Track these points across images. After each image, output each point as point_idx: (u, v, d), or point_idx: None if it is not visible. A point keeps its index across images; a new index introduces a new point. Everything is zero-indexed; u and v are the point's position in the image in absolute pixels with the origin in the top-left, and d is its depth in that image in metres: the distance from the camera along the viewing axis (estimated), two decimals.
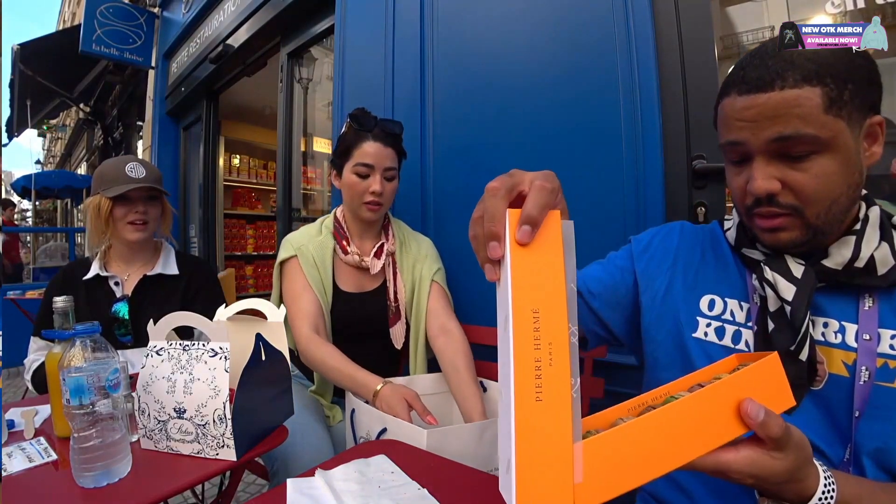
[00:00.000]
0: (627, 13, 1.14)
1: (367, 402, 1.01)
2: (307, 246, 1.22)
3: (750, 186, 0.56)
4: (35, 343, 1.23)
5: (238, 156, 5.08)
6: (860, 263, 0.56)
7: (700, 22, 1.12)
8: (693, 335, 0.66)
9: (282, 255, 1.23)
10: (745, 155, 0.57)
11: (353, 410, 1.04)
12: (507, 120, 1.37)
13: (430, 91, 1.56)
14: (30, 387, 1.19)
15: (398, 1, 1.67)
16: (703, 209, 1.11)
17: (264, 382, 0.83)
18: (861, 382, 0.54)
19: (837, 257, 0.57)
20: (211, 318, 1.00)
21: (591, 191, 1.20)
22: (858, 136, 0.54)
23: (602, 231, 1.16)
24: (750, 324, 0.62)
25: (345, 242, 1.24)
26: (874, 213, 0.59)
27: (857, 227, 0.57)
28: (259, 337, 0.80)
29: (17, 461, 0.76)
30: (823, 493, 0.41)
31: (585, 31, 1.22)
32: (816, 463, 0.43)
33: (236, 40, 3.01)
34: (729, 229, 0.69)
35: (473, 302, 1.37)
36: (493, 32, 1.41)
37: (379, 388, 0.99)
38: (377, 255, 1.24)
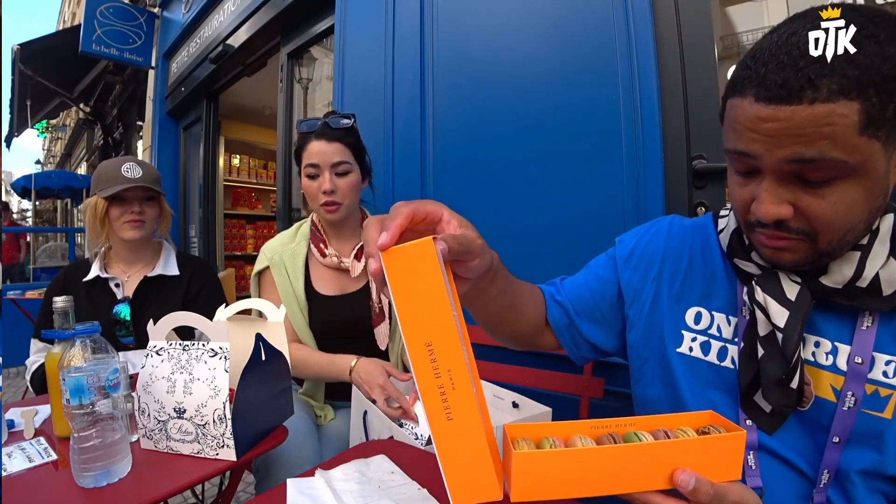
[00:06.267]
0: (627, 13, 1.14)
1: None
2: (280, 254, 1.22)
3: (755, 208, 0.48)
4: (35, 345, 1.23)
5: (238, 156, 5.09)
6: (863, 283, 0.49)
7: (700, 22, 1.13)
8: (677, 350, 0.62)
9: (256, 267, 1.24)
10: (753, 168, 0.48)
11: (364, 412, 1.04)
12: (507, 119, 1.36)
13: (430, 91, 1.56)
14: (30, 388, 1.19)
15: (398, 1, 1.68)
16: (703, 209, 1.11)
17: (264, 382, 0.83)
18: (845, 408, 0.50)
19: (837, 276, 0.50)
20: (212, 318, 1.00)
21: (591, 191, 1.20)
22: (892, 156, 0.44)
23: (602, 231, 1.16)
24: (737, 339, 0.58)
25: (322, 245, 1.21)
26: (886, 223, 0.50)
27: (865, 241, 0.50)
28: (259, 337, 0.80)
29: (17, 461, 0.76)
30: None
31: (585, 31, 1.22)
32: None
33: (236, 40, 3.02)
34: (722, 230, 0.62)
35: None
36: (493, 29, 1.41)
37: (354, 363, 1.05)
38: (357, 256, 1.21)
